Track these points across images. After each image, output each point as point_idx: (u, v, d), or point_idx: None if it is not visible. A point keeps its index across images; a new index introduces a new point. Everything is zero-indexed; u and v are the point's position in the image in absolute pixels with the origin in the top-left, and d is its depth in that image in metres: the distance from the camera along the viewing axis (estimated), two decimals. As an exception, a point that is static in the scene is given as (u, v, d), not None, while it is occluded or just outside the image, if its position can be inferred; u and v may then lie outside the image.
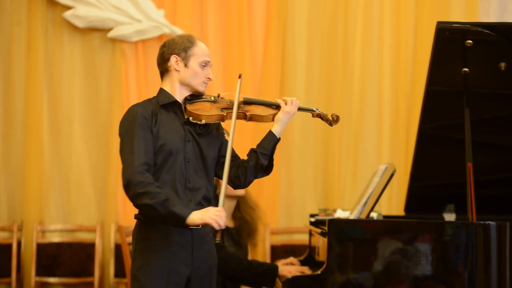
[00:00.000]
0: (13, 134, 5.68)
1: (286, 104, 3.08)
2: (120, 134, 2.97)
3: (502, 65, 3.76)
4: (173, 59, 3.03)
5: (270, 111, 3.09)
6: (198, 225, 2.87)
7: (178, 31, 5.52)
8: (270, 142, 3.05)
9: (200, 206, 2.97)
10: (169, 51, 3.04)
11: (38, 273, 5.53)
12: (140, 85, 5.65)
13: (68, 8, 5.61)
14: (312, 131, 5.73)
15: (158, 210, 2.83)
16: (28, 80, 5.66)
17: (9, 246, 5.54)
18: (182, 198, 2.94)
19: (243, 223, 4.13)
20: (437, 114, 4.08)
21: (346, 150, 5.74)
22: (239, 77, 3.13)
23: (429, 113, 4.06)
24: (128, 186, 2.86)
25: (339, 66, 5.74)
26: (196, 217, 2.85)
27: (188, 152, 2.98)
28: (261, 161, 3.02)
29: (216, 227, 2.85)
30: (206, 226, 2.96)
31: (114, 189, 5.56)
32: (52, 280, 5.58)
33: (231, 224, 4.11)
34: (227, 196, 4.03)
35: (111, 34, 5.62)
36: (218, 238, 2.91)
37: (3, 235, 5.65)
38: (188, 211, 2.85)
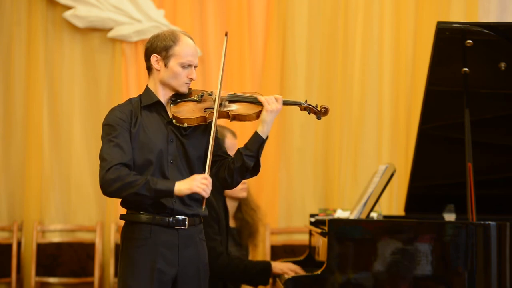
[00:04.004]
0: (13, 134, 5.67)
1: (268, 103, 2.96)
2: (101, 138, 2.96)
3: (502, 65, 3.76)
4: (154, 58, 2.99)
5: (255, 109, 2.98)
6: (186, 195, 2.87)
7: (178, 31, 5.52)
8: (255, 143, 2.95)
9: (186, 206, 2.96)
10: (151, 49, 2.99)
11: (38, 273, 5.52)
12: (140, 85, 5.64)
13: (68, 8, 5.60)
14: (312, 131, 5.73)
15: (144, 194, 2.82)
16: (28, 80, 5.65)
17: (9, 246, 5.53)
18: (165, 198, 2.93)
19: (244, 224, 4.14)
20: (437, 114, 4.08)
21: (346, 150, 5.73)
22: (226, 35, 3.03)
23: (429, 113, 4.06)
24: (103, 187, 2.85)
25: (339, 66, 5.74)
26: (184, 187, 2.84)
27: (171, 153, 2.95)
28: (247, 164, 2.94)
29: (204, 195, 2.84)
30: (194, 227, 2.98)
31: (114, 189, 5.55)
32: (52, 280, 5.57)
33: (232, 224, 4.12)
34: (230, 198, 4.05)
35: (111, 34, 5.62)
36: (203, 207, 2.89)
37: (3, 235, 5.64)
38: (172, 183, 2.84)
